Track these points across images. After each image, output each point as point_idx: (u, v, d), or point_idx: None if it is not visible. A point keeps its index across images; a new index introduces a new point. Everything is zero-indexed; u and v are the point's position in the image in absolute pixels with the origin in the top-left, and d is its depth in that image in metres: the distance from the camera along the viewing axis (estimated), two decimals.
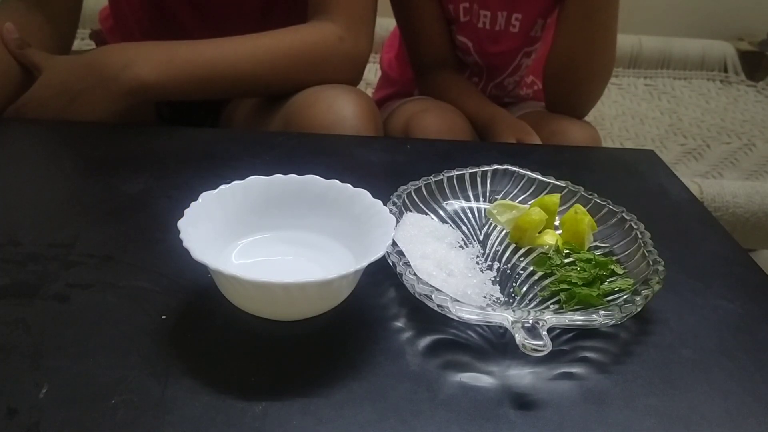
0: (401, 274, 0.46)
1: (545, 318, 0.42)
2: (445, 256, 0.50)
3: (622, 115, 1.88)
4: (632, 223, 0.54)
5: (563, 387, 0.42)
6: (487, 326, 0.46)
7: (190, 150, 0.69)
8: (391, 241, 0.44)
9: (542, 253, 0.53)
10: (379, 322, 0.46)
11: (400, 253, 0.47)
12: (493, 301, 0.48)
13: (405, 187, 0.56)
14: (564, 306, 0.47)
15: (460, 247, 0.54)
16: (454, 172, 0.60)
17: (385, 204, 0.48)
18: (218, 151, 0.69)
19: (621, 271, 0.50)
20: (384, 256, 0.45)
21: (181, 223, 0.44)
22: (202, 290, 0.46)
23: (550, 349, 0.40)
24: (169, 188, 0.61)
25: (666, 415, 0.40)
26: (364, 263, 0.42)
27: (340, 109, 0.75)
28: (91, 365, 0.40)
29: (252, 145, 0.71)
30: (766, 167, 1.63)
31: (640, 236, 0.53)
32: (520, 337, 0.41)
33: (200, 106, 0.99)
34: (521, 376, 0.42)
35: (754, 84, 2.07)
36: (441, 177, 0.59)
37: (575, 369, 0.43)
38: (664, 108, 1.93)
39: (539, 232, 0.55)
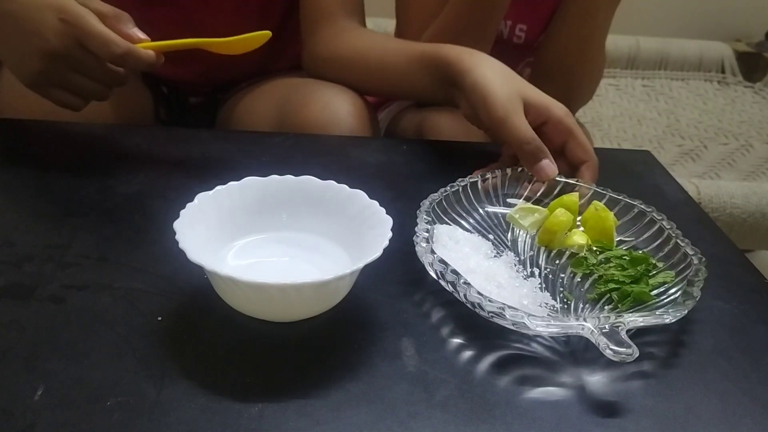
0: (465, 294, 0.45)
1: (623, 321, 0.42)
2: (489, 268, 0.50)
3: (619, 115, 1.88)
4: (654, 215, 0.55)
5: (559, 388, 0.42)
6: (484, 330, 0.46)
7: (186, 151, 0.69)
8: (387, 243, 0.44)
9: (573, 254, 0.53)
10: (376, 324, 0.46)
11: (455, 272, 0.45)
12: (551, 308, 0.48)
13: (427, 200, 0.55)
14: (619, 305, 0.48)
15: (496, 256, 0.53)
16: (467, 180, 0.59)
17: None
18: (214, 152, 0.69)
19: (660, 265, 0.51)
20: (433, 273, 0.46)
21: (177, 224, 0.44)
22: (198, 291, 0.46)
23: (638, 354, 0.40)
24: (164, 189, 0.61)
25: (662, 416, 0.40)
26: (361, 264, 0.42)
27: (336, 109, 0.75)
28: (87, 367, 0.40)
29: (248, 145, 0.71)
30: (763, 168, 1.63)
31: (668, 227, 0.54)
32: (604, 344, 0.41)
33: (196, 105, 0.99)
34: (518, 377, 0.42)
35: (751, 85, 2.07)
36: (457, 187, 0.58)
37: (571, 370, 0.43)
38: (662, 109, 1.93)
39: (566, 233, 0.55)
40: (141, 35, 0.63)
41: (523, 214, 0.56)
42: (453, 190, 0.57)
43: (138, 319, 0.44)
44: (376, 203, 0.48)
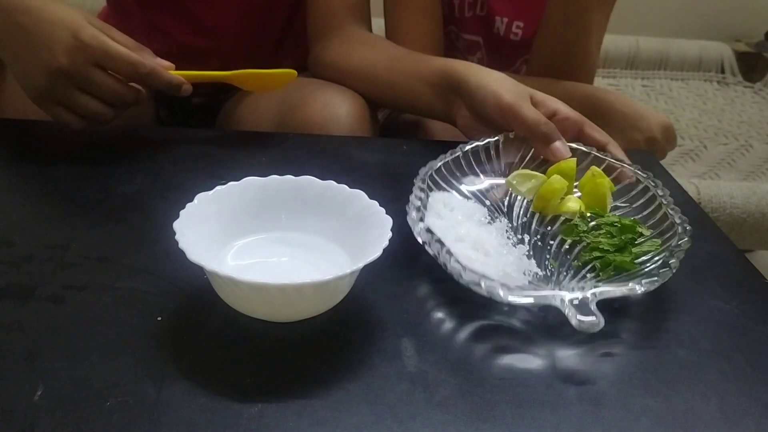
0: (445, 264, 0.46)
1: (595, 292, 0.43)
2: (478, 236, 0.51)
3: None
4: (649, 183, 0.55)
5: (559, 387, 0.42)
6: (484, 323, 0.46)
7: (185, 151, 0.69)
8: (387, 243, 0.44)
9: (568, 220, 0.53)
10: (376, 324, 0.46)
11: (440, 242, 0.47)
12: (534, 276, 0.48)
13: (425, 168, 0.56)
14: (600, 274, 0.48)
15: (489, 222, 0.54)
16: (468, 147, 0.59)
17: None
18: (214, 152, 0.69)
19: (648, 233, 0.51)
20: (421, 243, 0.47)
21: (177, 225, 0.44)
22: (198, 292, 0.46)
23: (602, 325, 0.41)
24: (164, 189, 0.61)
25: (662, 416, 0.40)
26: (360, 264, 0.42)
27: (335, 108, 0.75)
28: (87, 367, 0.40)
29: (248, 145, 0.71)
30: (763, 168, 1.63)
31: (660, 195, 0.54)
32: (572, 315, 0.42)
33: (197, 107, 0.99)
34: (517, 377, 0.42)
35: (751, 85, 2.07)
36: (458, 153, 0.59)
37: (571, 370, 0.43)
38: (662, 109, 1.93)
39: (561, 199, 0.55)
40: (165, 63, 0.64)
41: (520, 180, 0.56)
42: (453, 156, 0.58)
43: (138, 319, 0.44)
44: (376, 203, 0.48)
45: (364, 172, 0.67)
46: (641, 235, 0.51)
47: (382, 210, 0.47)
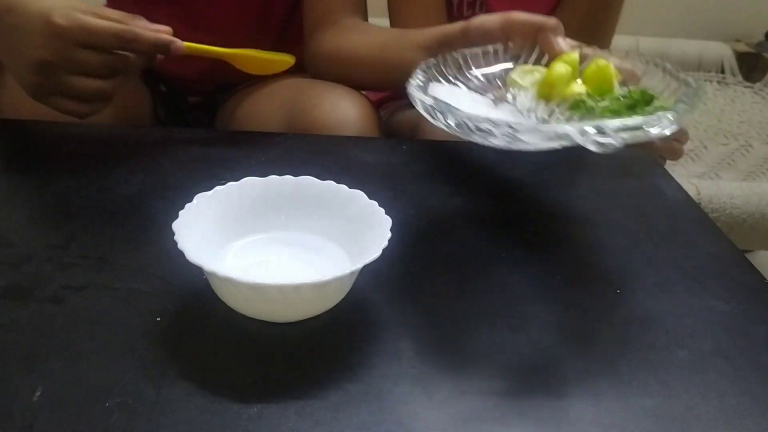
0: (451, 120, 0.44)
1: (604, 124, 0.41)
2: (486, 111, 0.49)
3: None
4: (656, 60, 0.55)
5: (559, 389, 0.42)
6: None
7: (184, 151, 0.69)
8: (386, 243, 0.44)
9: (576, 98, 0.52)
10: (375, 324, 0.46)
11: (447, 104, 0.45)
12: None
13: (424, 63, 0.55)
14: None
15: (495, 108, 0.53)
16: (468, 51, 0.59)
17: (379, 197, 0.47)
18: (213, 152, 0.69)
19: (658, 96, 0.50)
20: (424, 112, 0.46)
21: (176, 225, 0.44)
22: (197, 292, 0.46)
23: (621, 143, 0.40)
24: (163, 189, 0.61)
25: (662, 416, 0.40)
26: (360, 265, 0.42)
27: (345, 110, 0.75)
28: (86, 368, 0.40)
29: (247, 146, 0.71)
30: (763, 168, 1.64)
31: (669, 67, 0.53)
32: (592, 133, 0.40)
33: (195, 106, 0.99)
34: (518, 377, 0.42)
35: (751, 85, 2.07)
36: (458, 55, 0.58)
37: (572, 371, 0.43)
38: None
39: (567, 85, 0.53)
40: (163, 28, 0.63)
41: (521, 75, 0.55)
42: (452, 55, 0.58)
43: (137, 319, 0.44)
44: (375, 203, 0.48)
45: (364, 172, 0.67)
46: (653, 98, 0.49)
47: (382, 210, 0.47)
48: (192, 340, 0.43)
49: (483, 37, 0.64)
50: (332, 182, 0.50)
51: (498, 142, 0.43)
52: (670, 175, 0.73)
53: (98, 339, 0.42)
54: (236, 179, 0.50)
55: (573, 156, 0.78)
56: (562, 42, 0.60)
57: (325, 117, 0.74)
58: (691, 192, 1.31)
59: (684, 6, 2.20)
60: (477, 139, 0.44)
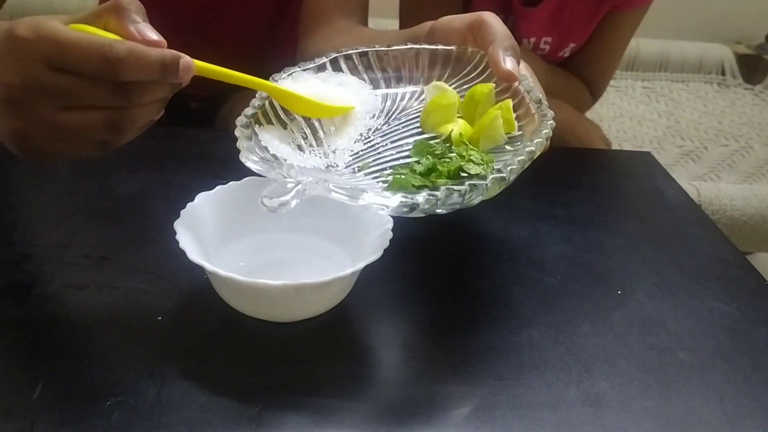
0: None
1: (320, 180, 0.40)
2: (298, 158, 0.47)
3: (619, 117, 1.88)
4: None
5: (559, 389, 0.42)
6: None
7: (186, 151, 0.69)
8: (387, 243, 0.44)
9: (426, 140, 0.48)
10: (376, 324, 0.46)
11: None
12: (329, 166, 0.46)
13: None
14: (388, 189, 0.43)
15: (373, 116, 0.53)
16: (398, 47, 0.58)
17: None
18: (214, 152, 0.69)
19: (481, 162, 0.44)
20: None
21: (177, 224, 0.44)
22: (198, 291, 0.46)
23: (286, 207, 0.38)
24: (165, 189, 0.61)
25: (663, 418, 0.40)
26: (361, 265, 0.42)
27: None
28: (86, 366, 0.40)
29: None
30: (763, 170, 1.64)
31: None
32: (266, 194, 0.38)
33: (195, 111, 0.99)
34: (518, 378, 0.42)
35: (751, 87, 2.07)
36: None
37: (572, 372, 0.43)
38: (662, 110, 1.93)
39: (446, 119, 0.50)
40: (153, 35, 0.41)
41: (433, 90, 0.53)
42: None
43: (138, 318, 0.44)
44: None
45: None
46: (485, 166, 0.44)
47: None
48: (193, 340, 0.43)
49: (447, 36, 0.59)
50: None
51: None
52: (670, 176, 0.73)
53: (99, 338, 0.42)
54: (238, 179, 0.50)
55: (573, 156, 0.78)
56: (511, 63, 0.50)
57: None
58: (692, 194, 1.31)
59: (685, 8, 2.20)
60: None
